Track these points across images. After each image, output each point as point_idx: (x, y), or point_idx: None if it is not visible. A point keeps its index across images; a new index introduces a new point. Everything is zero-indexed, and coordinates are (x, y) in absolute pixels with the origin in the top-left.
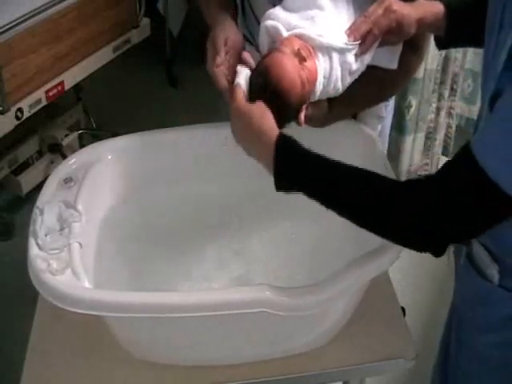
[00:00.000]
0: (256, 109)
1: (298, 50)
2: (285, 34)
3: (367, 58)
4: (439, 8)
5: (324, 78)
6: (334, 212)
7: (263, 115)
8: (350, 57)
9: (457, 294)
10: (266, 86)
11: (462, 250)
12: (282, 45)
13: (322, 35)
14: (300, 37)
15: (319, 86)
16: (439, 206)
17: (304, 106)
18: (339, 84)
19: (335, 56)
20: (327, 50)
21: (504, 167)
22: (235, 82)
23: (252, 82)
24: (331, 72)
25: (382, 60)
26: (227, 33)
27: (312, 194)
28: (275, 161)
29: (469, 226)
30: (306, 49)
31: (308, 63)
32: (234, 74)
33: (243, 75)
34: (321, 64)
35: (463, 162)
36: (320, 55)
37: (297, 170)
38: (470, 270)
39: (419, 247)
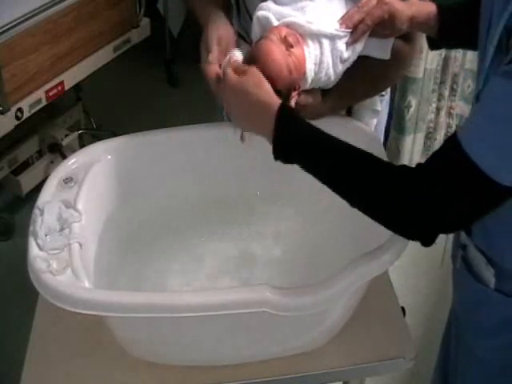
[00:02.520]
0: (251, 79)
1: (285, 36)
2: (275, 23)
3: (359, 47)
4: (432, 8)
5: (314, 64)
6: (327, 187)
7: (260, 84)
8: (341, 44)
9: (454, 298)
10: None
11: (458, 255)
12: (269, 33)
13: (312, 22)
14: (290, 25)
15: (310, 73)
16: (428, 194)
17: (295, 93)
18: (331, 71)
19: (325, 43)
20: (317, 36)
21: (486, 151)
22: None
23: None
24: (322, 58)
25: (374, 50)
26: (220, 31)
27: (308, 167)
28: (276, 127)
29: (457, 214)
30: (294, 36)
31: (295, 50)
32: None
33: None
34: (311, 51)
35: (450, 149)
36: (310, 42)
37: (296, 140)
38: (466, 274)
39: (407, 234)
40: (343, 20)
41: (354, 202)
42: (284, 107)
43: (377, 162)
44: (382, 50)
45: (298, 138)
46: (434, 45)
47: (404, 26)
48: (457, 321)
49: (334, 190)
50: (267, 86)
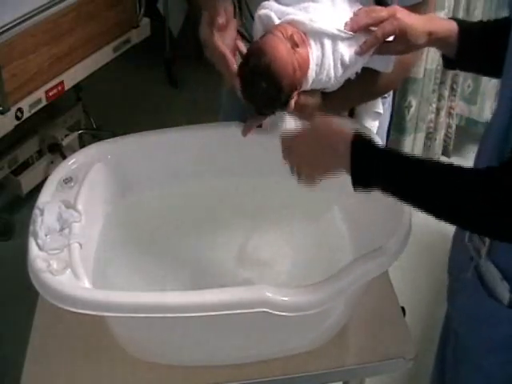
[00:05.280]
0: (317, 121)
1: (291, 35)
2: (277, 21)
3: (362, 60)
4: (452, 26)
5: (316, 65)
6: (411, 205)
7: (327, 121)
8: (343, 47)
9: (457, 306)
10: (257, 67)
11: (471, 265)
12: (275, 30)
13: (314, 20)
14: (292, 23)
15: (312, 73)
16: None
17: (295, 93)
18: (332, 73)
19: (327, 43)
20: (319, 35)
21: None
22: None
23: (244, 62)
24: (323, 60)
25: (377, 63)
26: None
27: (390, 189)
28: (352, 157)
29: None
30: (299, 35)
31: (300, 49)
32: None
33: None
34: (313, 51)
35: None
36: (312, 42)
37: (374, 166)
38: (478, 286)
39: (501, 235)
40: (350, 21)
41: (441, 216)
42: (358, 135)
43: (460, 171)
44: (384, 63)
45: (375, 163)
46: (449, 65)
47: (421, 41)
48: (455, 333)
49: (418, 207)
50: (332, 120)
